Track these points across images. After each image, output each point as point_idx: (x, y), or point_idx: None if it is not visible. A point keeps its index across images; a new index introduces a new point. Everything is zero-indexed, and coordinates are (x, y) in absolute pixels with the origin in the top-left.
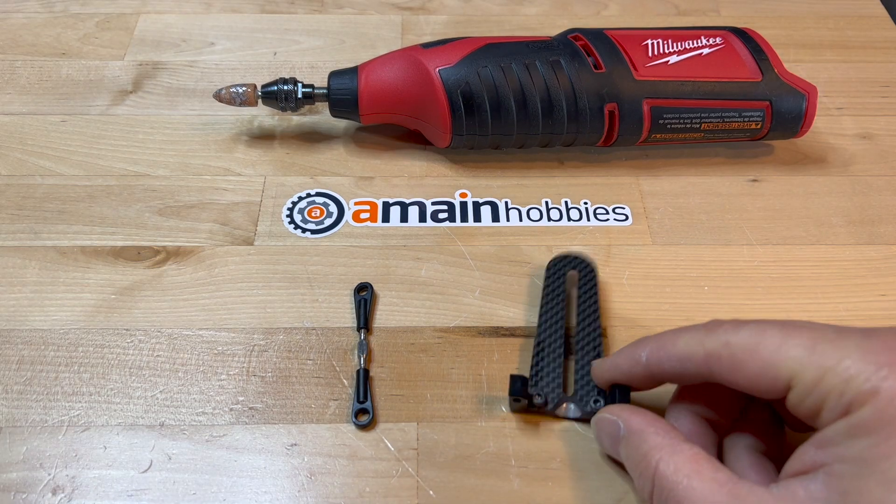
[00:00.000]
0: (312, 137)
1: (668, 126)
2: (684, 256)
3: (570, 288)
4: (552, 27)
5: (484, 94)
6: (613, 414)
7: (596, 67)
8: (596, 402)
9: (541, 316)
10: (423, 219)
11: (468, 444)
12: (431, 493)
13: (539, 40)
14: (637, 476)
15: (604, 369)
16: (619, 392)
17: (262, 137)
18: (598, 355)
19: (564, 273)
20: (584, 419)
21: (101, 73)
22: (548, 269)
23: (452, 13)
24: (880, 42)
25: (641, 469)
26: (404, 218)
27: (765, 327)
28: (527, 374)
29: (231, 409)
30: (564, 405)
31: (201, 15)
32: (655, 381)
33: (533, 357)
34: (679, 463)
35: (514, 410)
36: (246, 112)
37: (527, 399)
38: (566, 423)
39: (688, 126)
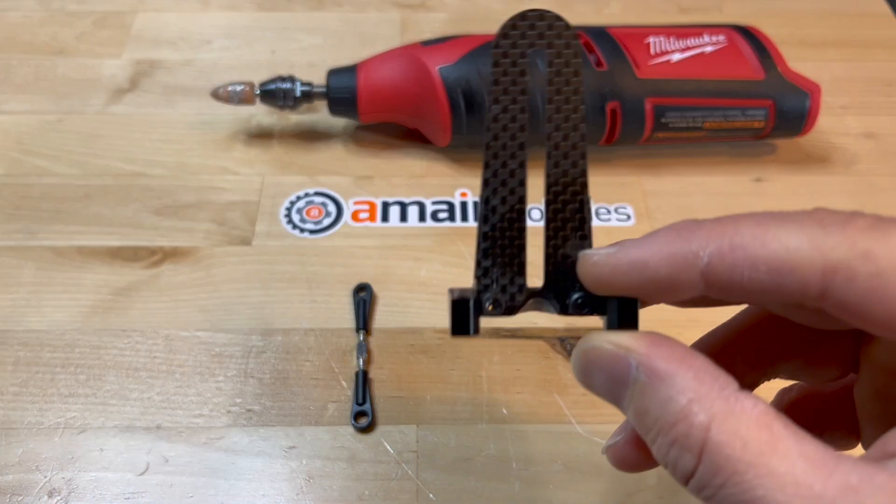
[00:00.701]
0: (311, 136)
1: (671, 125)
2: None
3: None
4: None
5: (484, 92)
6: (619, 345)
7: (597, 65)
8: (580, 301)
9: (487, 148)
10: (422, 218)
11: (468, 446)
12: (431, 495)
13: None
14: (665, 445)
15: (610, 267)
16: (619, 306)
17: (260, 136)
18: (581, 218)
19: (524, 57)
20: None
21: (98, 72)
22: (496, 46)
23: (452, 10)
24: (885, 41)
25: (676, 436)
26: (404, 218)
27: None
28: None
29: (229, 411)
30: (532, 302)
31: (199, 13)
32: (705, 299)
33: (479, 225)
34: (743, 429)
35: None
36: (244, 111)
37: (477, 330)
38: (568, 426)
39: (690, 125)
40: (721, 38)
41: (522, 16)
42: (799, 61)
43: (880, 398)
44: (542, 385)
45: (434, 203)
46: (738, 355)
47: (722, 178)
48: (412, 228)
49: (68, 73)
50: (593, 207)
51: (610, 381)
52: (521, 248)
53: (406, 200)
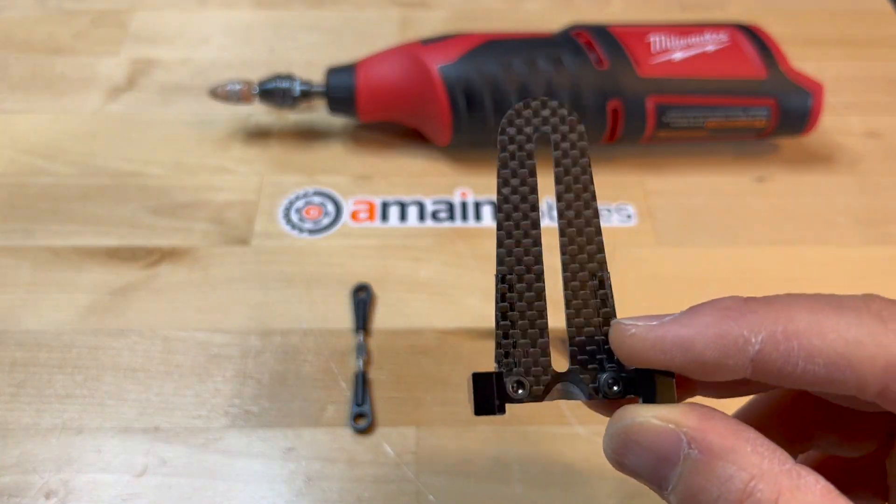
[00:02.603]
0: (310, 135)
1: (673, 124)
2: (690, 257)
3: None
4: (554, 23)
5: (485, 91)
6: (667, 419)
7: (598, 64)
8: (613, 381)
9: (500, 228)
10: (422, 218)
11: (469, 448)
12: (431, 497)
13: (540, 36)
14: None
15: (650, 342)
16: (655, 378)
17: (259, 135)
18: (604, 295)
19: (531, 139)
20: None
21: (95, 71)
22: (501, 132)
23: (451, 9)
24: (888, 39)
25: None
26: (403, 217)
27: None
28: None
29: (227, 413)
30: (559, 388)
31: (197, 11)
32: (751, 386)
33: (496, 304)
34: None
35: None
36: (242, 110)
37: (503, 405)
38: (569, 428)
39: (692, 124)
40: (723, 36)
41: (525, 103)
42: (802, 60)
43: None
44: None
45: (434, 203)
46: (773, 430)
47: (724, 177)
48: (412, 228)
49: (65, 72)
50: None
51: (655, 460)
52: (543, 329)
53: (406, 200)
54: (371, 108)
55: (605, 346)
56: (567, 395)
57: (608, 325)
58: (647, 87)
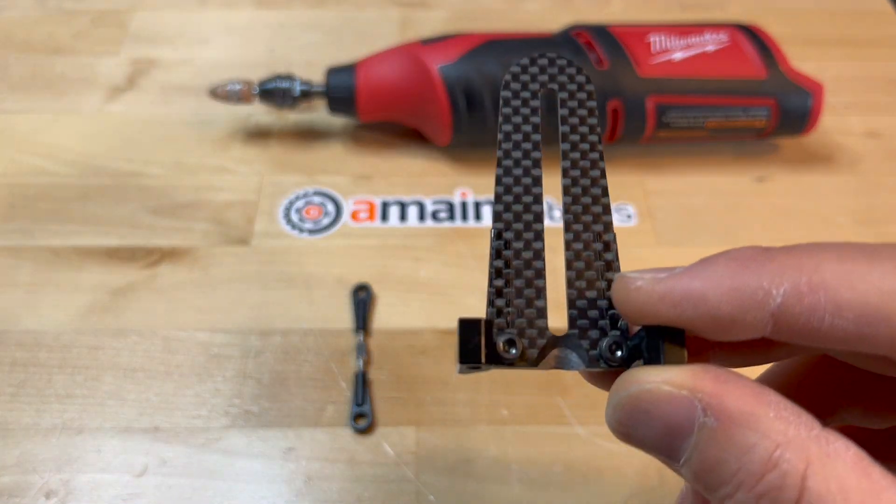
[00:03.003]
0: (310, 135)
1: (673, 124)
2: (690, 257)
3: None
4: (554, 23)
5: (485, 91)
6: (678, 384)
7: (598, 64)
8: (615, 346)
9: (499, 182)
10: (422, 218)
11: (468, 448)
12: (431, 497)
13: (540, 36)
14: (749, 500)
15: (658, 295)
16: (664, 338)
17: (259, 135)
18: (609, 260)
19: (536, 96)
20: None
21: (95, 71)
22: (505, 87)
23: (451, 8)
24: (888, 39)
25: (766, 489)
26: (403, 217)
27: None
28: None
29: (227, 413)
30: (556, 354)
31: (197, 11)
32: (770, 349)
33: (491, 261)
34: (843, 477)
35: (464, 371)
36: (242, 110)
37: (492, 360)
38: (569, 428)
39: (692, 124)
40: (723, 36)
41: (532, 59)
42: (801, 60)
43: None
44: (542, 386)
45: (434, 202)
46: (796, 402)
47: (724, 177)
48: (412, 228)
49: (65, 72)
50: None
51: (666, 431)
52: (541, 290)
53: (406, 200)
54: (371, 108)
55: (609, 312)
56: (563, 364)
57: (613, 307)
58: (647, 87)
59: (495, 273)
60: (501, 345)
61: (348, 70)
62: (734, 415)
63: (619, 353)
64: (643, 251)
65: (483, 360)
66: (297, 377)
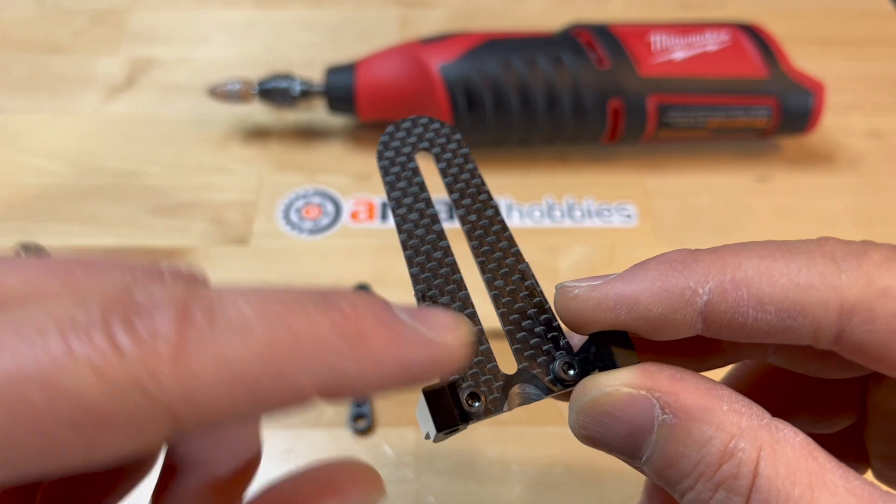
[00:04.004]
0: (309, 135)
1: (674, 123)
2: None
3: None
4: (554, 22)
5: (486, 90)
6: (636, 385)
7: (599, 63)
8: (566, 365)
9: (405, 248)
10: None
11: (468, 449)
12: (431, 498)
13: (541, 35)
14: (708, 490)
15: (594, 302)
16: (612, 343)
17: (258, 135)
18: (529, 283)
19: (412, 158)
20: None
21: (94, 70)
22: (380, 157)
23: (451, 7)
24: (889, 38)
25: (722, 477)
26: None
27: None
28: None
29: None
30: (517, 392)
31: (195, 10)
32: (700, 341)
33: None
34: (791, 461)
35: (440, 440)
36: (241, 109)
37: (465, 418)
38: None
39: (693, 123)
40: (724, 35)
41: (396, 125)
42: (803, 59)
43: (893, 440)
44: None
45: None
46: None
47: (725, 177)
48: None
49: (64, 72)
50: (595, 207)
51: (627, 431)
52: (482, 335)
53: None
54: (371, 107)
55: (549, 335)
56: (526, 399)
57: (545, 313)
58: (648, 86)
59: None
60: (465, 401)
61: (348, 69)
62: (690, 410)
63: (572, 372)
64: (644, 251)
65: (458, 422)
66: None
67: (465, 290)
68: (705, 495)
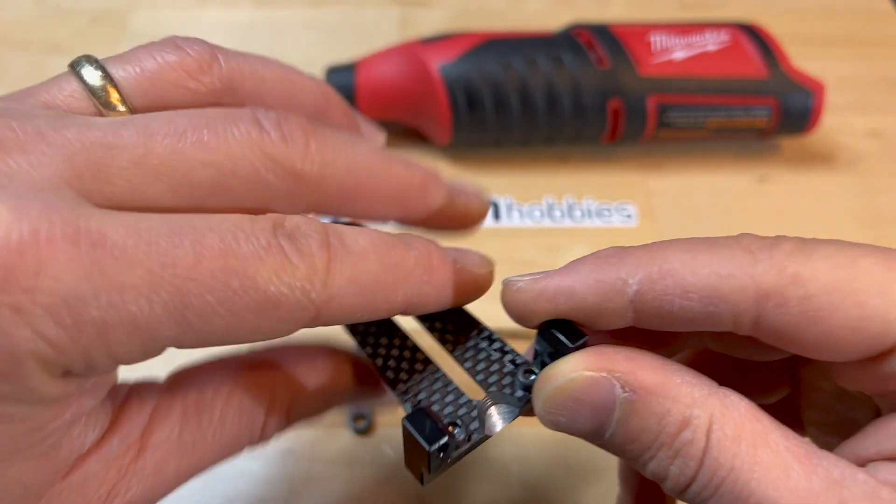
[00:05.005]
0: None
1: (674, 123)
2: None
3: None
4: (554, 22)
5: (486, 90)
6: (596, 367)
7: (599, 63)
8: (527, 372)
9: (392, 387)
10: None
11: None
12: (431, 499)
13: (541, 35)
14: (667, 458)
15: (535, 293)
16: (561, 332)
17: None
18: (468, 315)
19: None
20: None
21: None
22: (361, 346)
23: (451, 7)
24: (889, 39)
25: (679, 445)
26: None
27: (853, 254)
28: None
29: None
30: (492, 413)
31: (196, 10)
32: (633, 330)
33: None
34: (738, 423)
35: (430, 479)
36: None
37: (450, 454)
38: None
39: (693, 123)
40: (724, 35)
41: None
42: (803, 59)
43: (825, 411)
44: None
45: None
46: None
47: (726, 177)
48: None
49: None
50: (595, 207)
51: (591, 412)
52: (447, 383)
53: None
54: (371, 107)
55: (505, 359)
56: (504, 418)
57: (494, 342)
58: (648, 86)
59: (395, 378)
60: (449, 427)
61: (348, 69)
62: (648, 386)
63: (533, 377)
64: None
65: (446, 435)
66: None
67: (443, 373)
68: (665, 462)
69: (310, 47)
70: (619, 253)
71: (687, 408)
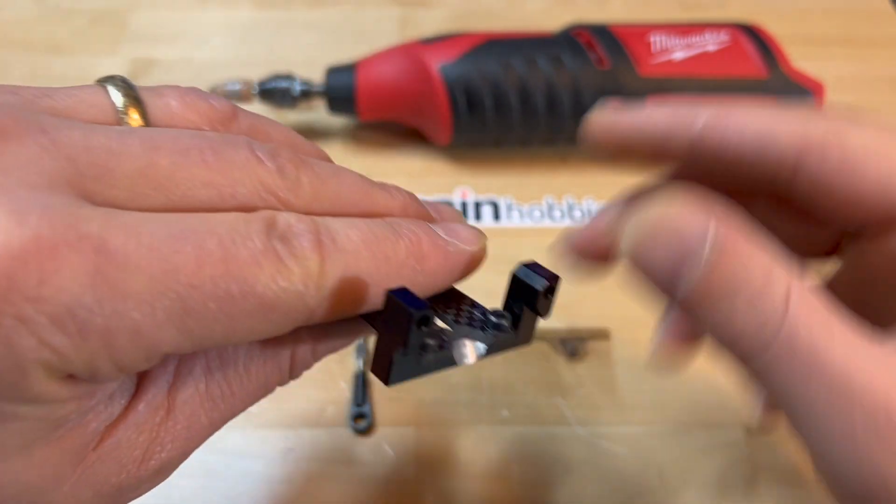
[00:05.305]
0: (310, 135)
1: None
2: None
3: None
4: (554, 22)
5: (486, 90)
6: (692, 203)
7: (599, 64)
8: (498, 314)
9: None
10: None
11: (468, 448)
12: (431, 498)
13: (541, 36)
14: (747, 303)
15: (621, 117)
16: (531, 269)
17: None
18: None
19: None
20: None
21: (95, 70)
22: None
23: (451, 8)
24: (889, 39)
25: (762, 303)
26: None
27: None
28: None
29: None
30: (466, 342)
31: (196, 10)
32: (687, 168)
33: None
34: (812, 302)
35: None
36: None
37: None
38: (569, 428)
39: None
40: (724, 36)
41: None
42: (802, 60)
43: (858, 303)
44: (543, 387)
45: (434, 202)
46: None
47: None
48: None
49: (64, 72)
50: (595, 207)
51: (676, 250)
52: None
53: None
54: (371, 107)
55: (474, 309)
56: (478, 347)
57: (465, 301)
58: (648, 86)
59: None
60: (428, 342)
61: (348, 70)
62: (741, 231)
63: (503, 320)
64: None
65: (431, 311)
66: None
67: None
68: (744, 308)
69: (310, 47)
70: (694, 99)
71: (772, 265)
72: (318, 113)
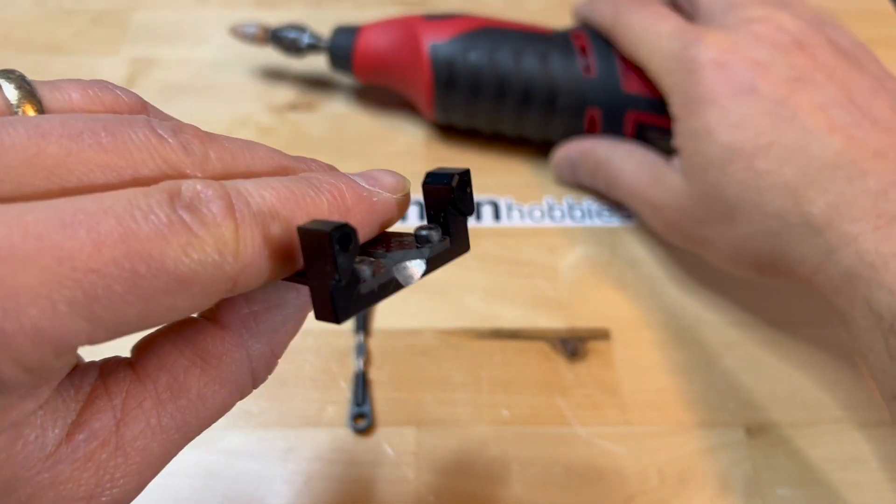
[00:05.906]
0: (309, 136)
1: (656, 142)
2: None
3: None
4: (554, 23)
5: (465, 75)
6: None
7: (586, 71)
8: (426, 228)
9: None
10: (422, 218)
11: (468, 448)
12: (431, 498)
13: (539, 32)
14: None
15: None
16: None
17: (258, 137)
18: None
19: None
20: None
21: (96, 70)
22: None
23: (452, 7)
24: (889, 40)
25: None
26: (403, 217)
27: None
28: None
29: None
30: (403, 265)
31: (196, 10)
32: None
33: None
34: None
35: (343, 318)
36: (244, 108)
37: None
38: (569, 428)
39: (671, 148)
40: None
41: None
42: None
43: None
44: (542, 387)
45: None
46: None
47: None
48: (412, 228)
49: (66, 72)
50: (595, 207)
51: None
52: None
53: None
54: (365, 70)
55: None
56: (416, 265)
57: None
58: (628, 102)
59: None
60: (361, 270)
61: (352, 31)
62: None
63: (426, 232)
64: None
65: (350, 228)
66: (296, 377)
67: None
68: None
69: None
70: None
71: None
72: (317, 113)
